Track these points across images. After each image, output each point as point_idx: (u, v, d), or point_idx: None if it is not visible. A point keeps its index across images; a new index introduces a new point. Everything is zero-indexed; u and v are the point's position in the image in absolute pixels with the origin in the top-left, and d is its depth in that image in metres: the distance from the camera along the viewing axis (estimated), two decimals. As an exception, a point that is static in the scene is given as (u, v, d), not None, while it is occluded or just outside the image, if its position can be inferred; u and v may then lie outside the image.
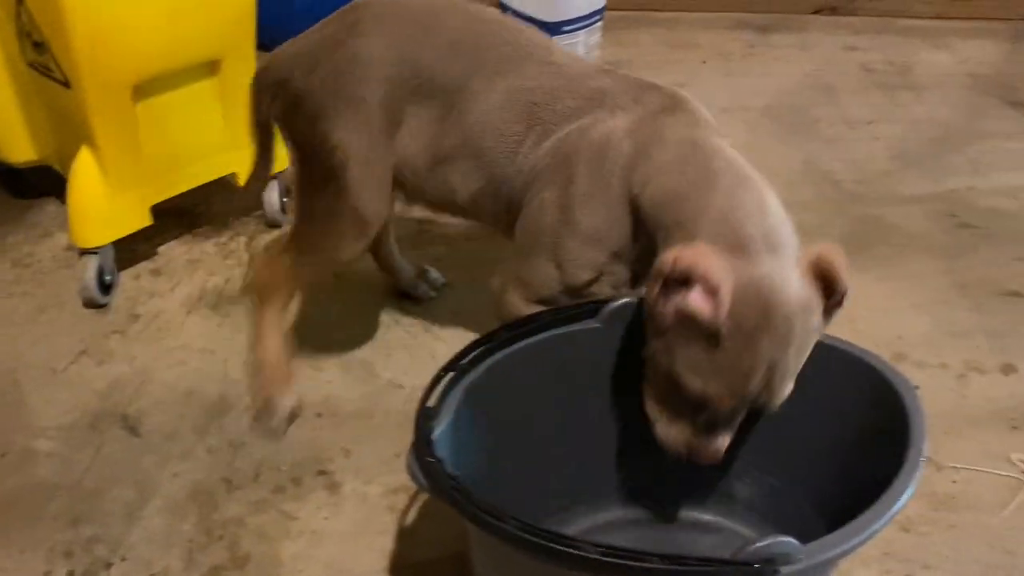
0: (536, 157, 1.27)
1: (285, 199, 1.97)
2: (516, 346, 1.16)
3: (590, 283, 1.25)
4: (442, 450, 1.00)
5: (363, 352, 1.69)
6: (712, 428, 1.09)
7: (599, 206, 1.19)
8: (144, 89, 1.61)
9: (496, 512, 0.92)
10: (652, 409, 1.12)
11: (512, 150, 1.29)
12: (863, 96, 2.60)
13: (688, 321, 0.98)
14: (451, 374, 1.07)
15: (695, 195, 1.03)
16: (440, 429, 1.02)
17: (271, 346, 1.46)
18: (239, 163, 1.83)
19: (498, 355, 1.14)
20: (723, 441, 1.10)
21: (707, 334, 0.97)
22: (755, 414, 1.12)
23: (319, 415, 1.56)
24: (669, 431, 1.11)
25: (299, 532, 1.38)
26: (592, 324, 1.21)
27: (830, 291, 0.99)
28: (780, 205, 1.06)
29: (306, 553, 1.36)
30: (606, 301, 1.20)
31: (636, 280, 1.25)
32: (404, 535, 1.39)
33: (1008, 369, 1.75)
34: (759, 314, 0.96)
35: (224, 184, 2.02)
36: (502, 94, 1.29)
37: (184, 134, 1.72)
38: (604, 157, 1.19)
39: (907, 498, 1.01)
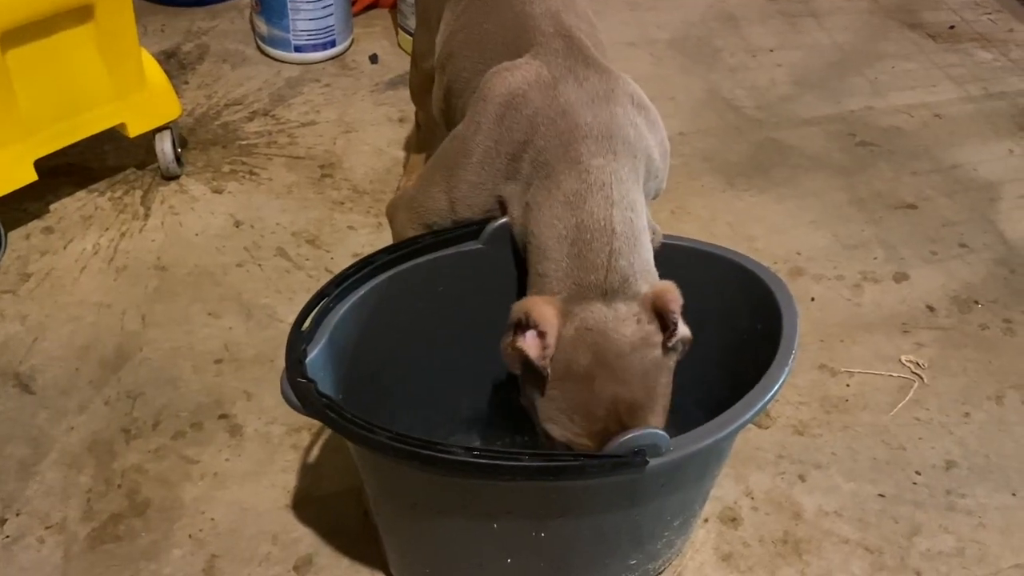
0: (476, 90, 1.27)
1: (180, 149, 1.93)
2: (397, 269, 1.15)
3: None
4: (317, 373, 1.00)
5: (264, 298, 1.67)
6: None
7: (495, 159, 1.19)
8: (12, 38, 1.55)
9: (367, 425, 0.92)
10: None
11: (475, 75, 1.30)
12: (766, 24, 2.62)
13: (529, 368, 1.04)
14: (325, 298, 1.06)
15: (555, 253, 1.08)
16: (314, 352, 1.01)
17: None
18: (126, 113, 1.78)
19: (378, 278, 1.13)
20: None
21: (542, 378, 1.04)
22: None
23: (219, 361, 1.55)
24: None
25: (200, 475, 1.38)
26: (474, 246, 1.21)
27: (665, 326, 1.04)
28: (632, 250, 1.08)
29: (208, 495, 1.35)
30: (487, 222, 1.20)
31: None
32: (307, 471, 1.39)
33: (901, 277, 1.80)
34: (590, 355, 1.02)
35: (118, 138, 1.97)
36: (481, 18, 1.34)
37: (62, 85, 1.67)
38: (512, 112, 1.18)
39: (774, 392, 1.04)
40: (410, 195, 1.33)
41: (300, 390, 0.96)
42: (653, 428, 0.95)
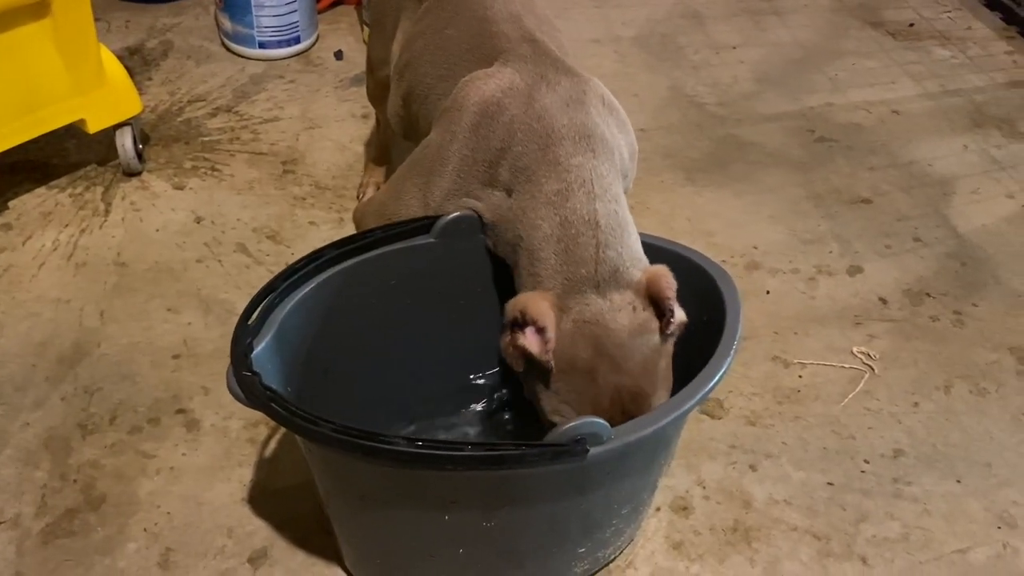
0: (448, 97, 1.28)
1: (141, 146, 1.93)
2: (348, 263, 1.17)
3: None
4: (264, 366, 1.01)
5: (224, 293, 1.68)
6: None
7: (472, 166, 1.21)
8: (-33, 34, 1.55)
9: (311, 417, 0.93)
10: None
11: (439, 81, 1.31)
12: (730, 22, 2.65)
13: (532, 364, 1.06)
14: (273, 292, 1.07)
15: (543, 253, 1.10)
16: (261, 346, 1.02)
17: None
18: (86, 109, 1.78)
19: (328, 272, 1.15)
20: None
21: (547, 371, 1.06)
22: None
23: (177, 357, 1.55)
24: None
25: (156, 470, 1.38)
26: (426, 239, 1.22)
27: (661, 312, 1.07)
28: (620, 240, 1.11)
29: (164, 489, 1.36)
30: (439, 216, 1.22)
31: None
32: (264, 465, 1.40)
33: (855, 270, 1.83)
34: (590, 347, 1.04)
35: (79, 134, 1.97)
36: (440, 26, 1.35)
37: (20, 81, 1.66)
38: (489, 121, 1.20)
39: (716, 382, 1.06)
40: (380, 201, 1.34)
41: (245, 383, 0.97)
42: (593, 418, 0.96)
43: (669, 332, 1.07)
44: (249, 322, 1.04)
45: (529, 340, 1.04)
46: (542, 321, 1.04)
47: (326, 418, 0.93)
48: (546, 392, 1.08)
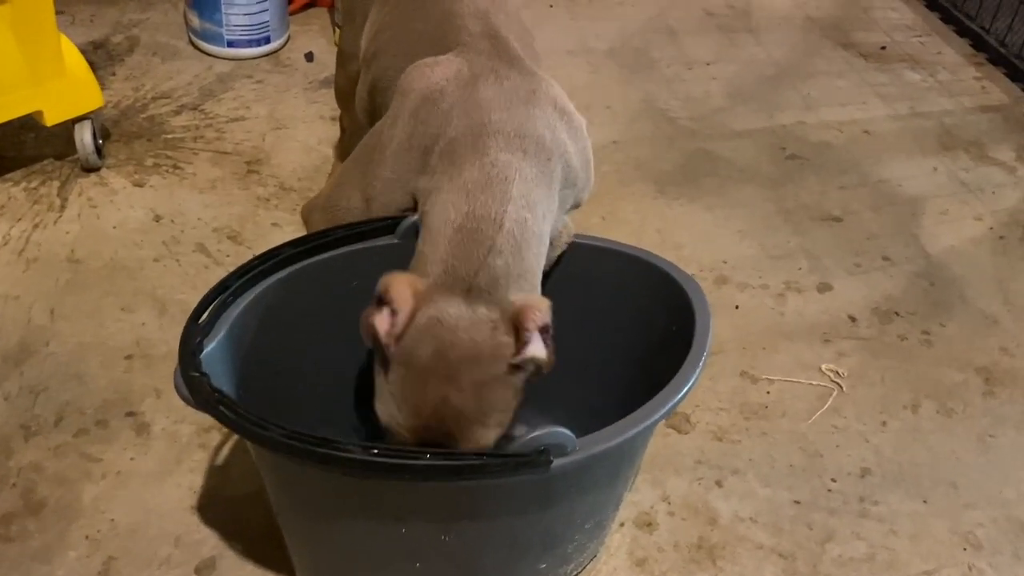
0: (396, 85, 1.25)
1: (101, 141, 1.87)
2: (306, 262, 1.13)
3: None
4: (214, 367, 0.96)
5: (181, 294, 1.62)
6: None
7: (408, 152, 1.17)
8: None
9: (260, 422, 0.89)
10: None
11: (397, 74, 1.27)
12: (703, 38, 2.64)
13: (378, 344, 1.00)
14: (226, 291, 1.03)
15: (439, 236, 1.05)
16: (211, 346, 0.98)
17: None
18: (43, 100, 1.73)
19: (285, 271, 1.10)
20: None
21: (385, 358, 1.00)
22: None
23: (129, 357, 1.50)
24: None
25: (102, 474, 1.33)
26: (389, 240, 1.18)
27: (517, 341, 0.99)
28: (516, 252, 1.03)
29: (109, 494, 1.30)
30: (402, 217, 1.18)
31: None
32: (215, 472, 1.35)
33: (824, 287, 1.82)
34: (432, 350, 0.98)
35: (37, 127, 1.91)
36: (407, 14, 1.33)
37: (-27, 68, 1.61)
38: (429, 106, 1.16)
39: (684, 394, 1.04)
40: (324, 195, 1.30)
41: (193, 383, 0.92)
42: (557, 428, 0.93)
43: (516, 362, 0.98)
44: (200, 320, 0.99)
45: (380, 320, 0.98)
46: (397, 305, 0.98)
47: (277, 423, 0.89)
48: (380, 376, 1.02)
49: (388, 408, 1.00)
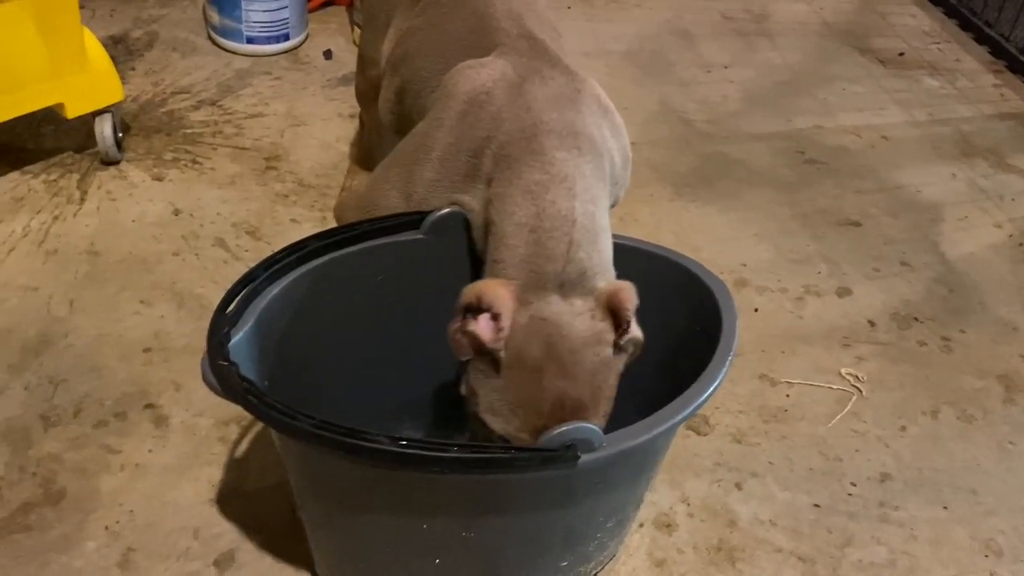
0: (439, 88, 1.25)
1: (121, 135, 1.87)
2: (332, 255, 1.12)
3: None
4: (241, 357, 0.96)
5: (199, 287, 1.62)
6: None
7: (456, 156, 1.17)
8: (-53, 9, 1.49)
9: (290, 411, 0.88)
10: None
11: (434, 75, 1.28)
12: (720, 42, 2.64)
13: (480, 353, 1.02)
14: (253, 282, 1.03)
15: (513, 240, 1.06)
16: (238, 336, 0.98)
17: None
18: (65, 93, 1.73)
19: (311, 264, 1.10)
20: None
21: (493, 363, 1.01)
22: None
23: (148, 350, 1.50)
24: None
25: (121, 466, 1.32)
26: (415, 235, 1.18)
27: (619, 324, 1.03)
28: (592, 244, 1.07)
29: (127, 486, 1.30)
30: (429, 212, 1.18)
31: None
32: (234, 466, 1.34)
33: (843, 292, 1.81)
34: (542, 347, 1.00)
35: (58, 120, 1.91)
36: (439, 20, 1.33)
37: (-3, 59, 1.61)
38: (478, 109, 1.16)
39: (710, 393, 1.03)
40: (360, 194, 1.30)
41: (221, 373, 0.92)
42: (585, 424, 0.93)
43: (622, 344, 1.03)
44: (227, 311, 0.99)
45: (481, 327, 0.99)
46: (498, 307, 0.99)
47: (306, 412, 0.88)
48: (485, 388, 1.03)
49: (501, 417, 1.01)
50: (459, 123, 1.16)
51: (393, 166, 1.25)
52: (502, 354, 1.00)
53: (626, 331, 1.02)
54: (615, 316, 1.03)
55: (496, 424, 1.03)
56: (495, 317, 1.00)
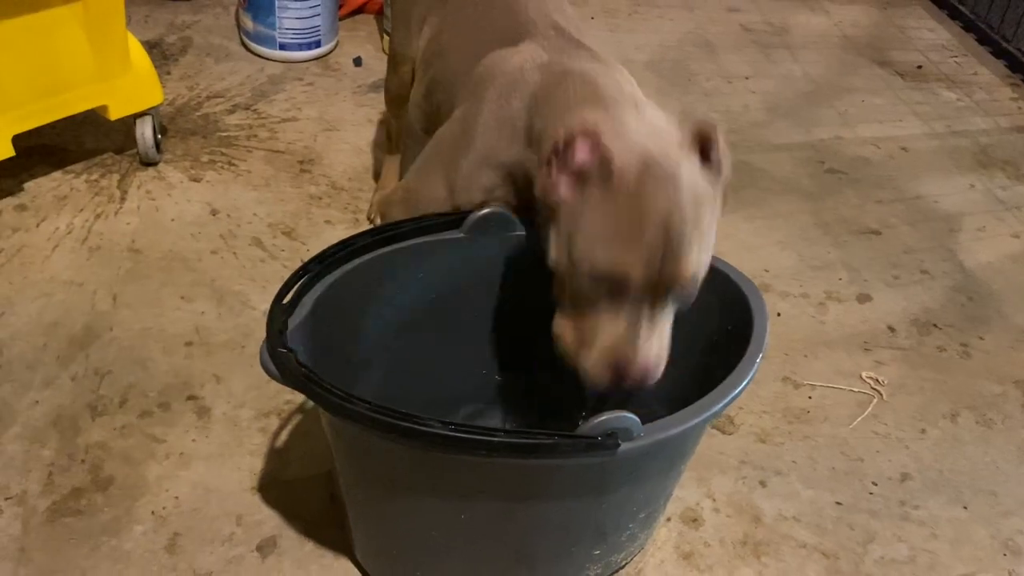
0: (470, 78, 1.30)
1: (160, 136, 1.93)
2: (377, 252, 1.17)
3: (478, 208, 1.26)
4: (295, 345, 1.00)
5: (238, 285, 1.67)
6: (635, 332, 1.02)
7: (498, 129, 1.21)
8: (-1, 12, 1.55)
9: (347, 395, 0.93)
10: (566, 335, 1.06)
11: (464, 70, 1.32)
12: (741, 53, 2.69)
13: (578, 188, 1.00)
14: (308, 274, 1.07)
15: (572, 104, 1.09)
16: (294, 325, 1.02)
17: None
18: (108, 95, 1.78)
19: (359, 260, 1.15)
20: (650, 348, 1.03)
21: (597, 191, 0.99)
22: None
23: (189, 344, 1.54)
24: (589, 356, 1.04)
25: (165, 455, 1.37)
26: (456, 234, 1.22)
27: (706, 157, 1.02)
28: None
29: (172, 474, 1.34)
30: (470, 211, 1.22)
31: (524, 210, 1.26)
32: (274, 455, 1.39)
33: (864, 298, 1.85)
34: (643, 167, 0.98)
35: (98, 121, 1.97)
36: (474, 17, 1.38)
37: (46, 62, 1.66)
38: (513, 86, 1.21)
39: (744, 385, 1.07)
40: (405, 188, 1.34)
41: (280, 359, 0.96)
42: (625, 414, 0.96)
43: (719, 166, 1.01)
44: (284, 301, 1.04)
45: (582, 152, 0.98)
46: (591, 128, 0.98)
47: (361, 397, 0.93)
48: (580, 226, 1.00)
49: (601, 250, 0.98)
50: (497, 100, 1.21)
51: (433, 158, 1.29)
52: (612, 166, 0.97)
53: (719, 159, 1.01)
54: (704, 148, 1.01)
55: (597, 259, 0.98)
56: (591, 136, 0.98)
